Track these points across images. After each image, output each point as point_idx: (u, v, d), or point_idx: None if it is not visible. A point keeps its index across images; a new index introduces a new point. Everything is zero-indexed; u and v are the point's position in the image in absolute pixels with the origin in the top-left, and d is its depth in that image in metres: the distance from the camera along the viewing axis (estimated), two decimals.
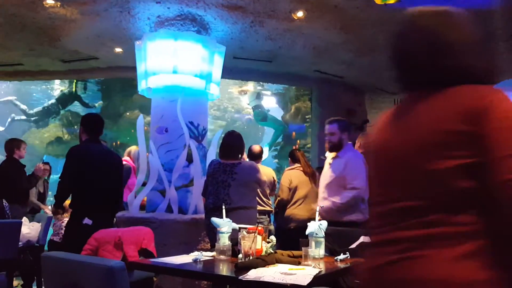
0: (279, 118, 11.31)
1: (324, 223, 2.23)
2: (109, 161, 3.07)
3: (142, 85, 4.56)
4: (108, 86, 11.05)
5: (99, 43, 5.41)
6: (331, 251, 2.36)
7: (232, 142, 3.21)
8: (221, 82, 4.83)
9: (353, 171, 2.99)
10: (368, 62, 6.06)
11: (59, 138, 11.63)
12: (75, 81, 10.57)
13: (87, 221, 2.83)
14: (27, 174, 4.64)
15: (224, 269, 2.00)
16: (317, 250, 2.16)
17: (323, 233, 2.19)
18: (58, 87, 11.75)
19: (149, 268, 2.36)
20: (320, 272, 1.83)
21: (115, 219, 3.50)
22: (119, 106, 11.28)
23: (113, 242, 2.75)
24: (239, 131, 3.36)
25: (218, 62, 4.63)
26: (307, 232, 2.21)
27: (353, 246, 2.52)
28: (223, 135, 3.35)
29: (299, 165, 4.32)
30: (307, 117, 10.05)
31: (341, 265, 2.07)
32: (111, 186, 3.03)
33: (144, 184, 4.12)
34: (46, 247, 4.11)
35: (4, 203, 3.43)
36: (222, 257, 2.14)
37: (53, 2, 4.24)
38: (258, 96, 11.32)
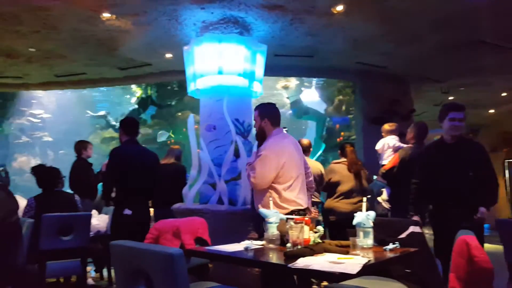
0: (322, 111, 11.27)
1: (372, 213, 2.21)
2: (145, 159, 3.52)
3: (191, 87, 4.84)
4: (162, 89, 11.72)
5: (151, 50, 5.80)
6: (379, 241, 2.30)
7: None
8: (264, 79, 4.98)
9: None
10: (411, 52, 5.94)
11: (117, 138, 12.56)
12: (131, 85, 11.24)
13: (127, 211, 3.32)
14: (94, 171, 5.16)
15: (273, 257, 2.03)
16: (366, 239, 2.13)
17: (371, 223, 2.17)
18: (116, 91, 12.53)
19: (204, 255, 2.48)
20: (369, 261, 1.78)
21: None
22: (172, 107, 11.97)
23: (172, 231, 2.98)
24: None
25: (260, 61, 4.80)
26: (354, 222, 2.20)
27: (403, 235, 2.52)
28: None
29: (345, 159, 4.36)
30: (350, 109, 9.93)
31: (391, 255, 2.00)
32: (146, 181, 3.46)
33: None
34: None
35: (76, 198, 3.87)
36: (271, 246, 2.20)
37: (109, 15, 4.64)
38: (298, 91, 11.36)
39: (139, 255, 1.69)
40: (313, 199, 4.25)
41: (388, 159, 4.46)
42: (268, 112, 2.94)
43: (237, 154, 4.34)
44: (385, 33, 5.27)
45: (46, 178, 3.63)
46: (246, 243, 2.27)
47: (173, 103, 12.08)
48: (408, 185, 3.30)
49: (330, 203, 4.28)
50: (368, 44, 5.68)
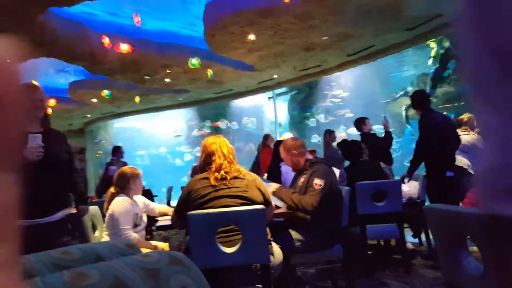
0: None
1: None
2: (449, 126, 3.92)
3: None
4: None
5: None
6: None
7: None
8: None
9: None
10: None
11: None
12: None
13: (449, 173, 3.75)
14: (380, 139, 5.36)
15: None
16: None
17: None
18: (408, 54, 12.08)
19: None
20: None
21: None
22: None
23: None
24: None
25: None
26: None
27: None
28: None
29: None
30: None
31: None
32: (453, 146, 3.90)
33: None
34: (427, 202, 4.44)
35: (382, 165, 3.99)
36: None
37: None
38: None
39: (458, 219, 1.56)
40: None
41: None
42: None
43: None
44: None
45: (351, 151, 3.95)
46: None
47: None
48: None
49: None
50: None
